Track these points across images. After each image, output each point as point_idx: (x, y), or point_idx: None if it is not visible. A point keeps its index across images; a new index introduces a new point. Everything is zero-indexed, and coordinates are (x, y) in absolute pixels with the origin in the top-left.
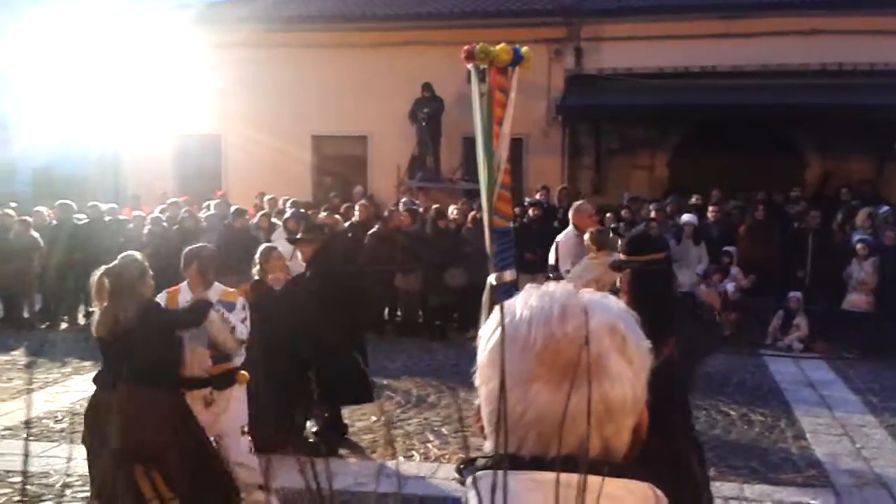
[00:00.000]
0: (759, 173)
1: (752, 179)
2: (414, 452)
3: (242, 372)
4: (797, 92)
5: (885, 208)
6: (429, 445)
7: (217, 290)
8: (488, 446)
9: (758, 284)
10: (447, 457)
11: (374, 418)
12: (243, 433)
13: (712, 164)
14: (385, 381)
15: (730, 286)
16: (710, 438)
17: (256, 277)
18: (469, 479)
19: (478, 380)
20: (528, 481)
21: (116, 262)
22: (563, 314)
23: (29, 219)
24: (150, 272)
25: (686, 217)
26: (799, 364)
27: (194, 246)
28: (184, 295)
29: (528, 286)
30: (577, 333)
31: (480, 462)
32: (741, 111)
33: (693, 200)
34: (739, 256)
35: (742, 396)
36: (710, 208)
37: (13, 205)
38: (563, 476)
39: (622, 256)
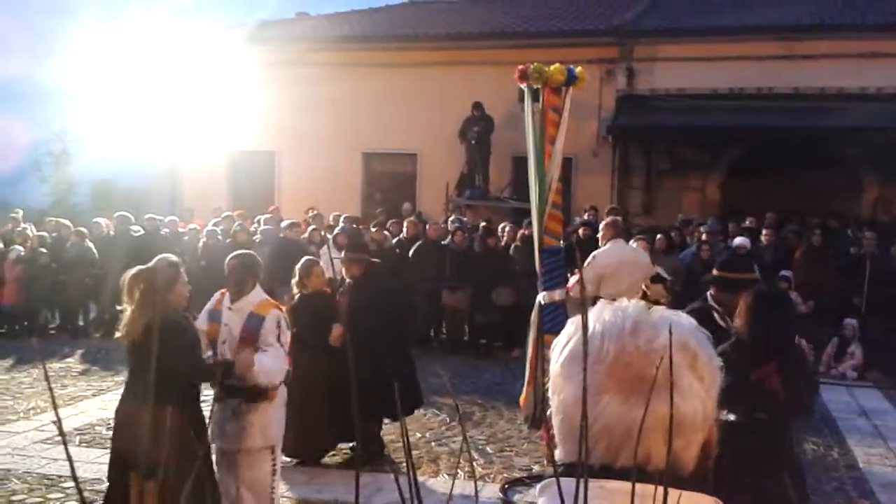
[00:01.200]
0: (814, 197)
1: (807, 203)
2: (459, 470)
3: (275, 389)
4: (854, 115)
5: None
6: (474, 464)
7: (252, 301)
8: (559, 454)
9: (813, 311)
10: (491, 476)
11: (418, 434)
12: (266, 453)
13: (766, 186)
14: (430, 398)
15: None
16: None
17: (296, 291)
18: (539, 487)
19: (550, 389)
20: (597, 489)
21: (150, 264)
22: (634, 329)
23: (84, 230)
24: (185, 278)
25: (738, 240)
26: (853, 393)
27: (232, 254)
28: (225, 301)
29: (601, 301)
30: (647, 348)
31: (552, 470)
32: (796, 134)
33: (746, 223)
34: (795, 282)
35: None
36: (764, 232)
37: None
38: (637, 486)
39: (717, 272)
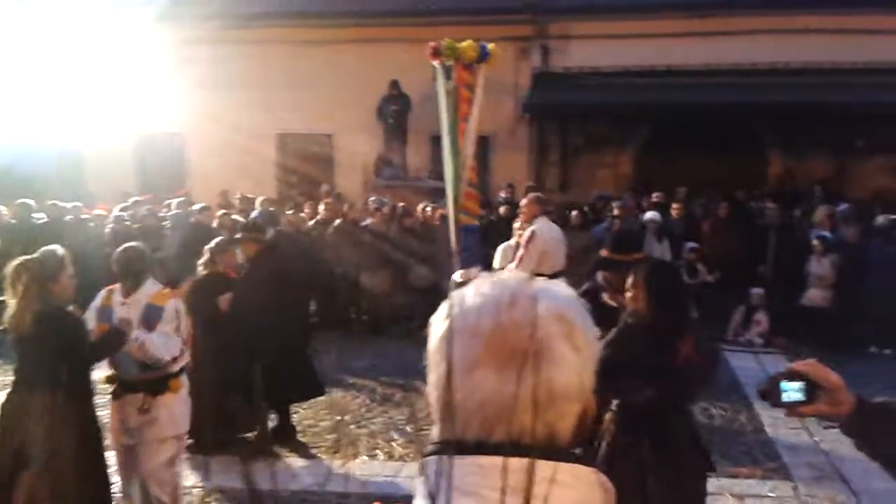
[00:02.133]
0: (723, 170)
1: (716, 177)
2: (378, 451)
3: (177, 379)
4: (761, 90)
5: (844, 205)
6: (393, 444)
7: (147, 292)
8: (436, 432)
9: (720, 280)
10: (411, 455)
11: (338, 417)
12: (172, 442)
13: (677, 161)
14: (351, 380)
15: None
16: None
17: (202, 270)
18: (419, 465)
19: (428, 366)
20: (472, 465)
21: (35, 254)
22: (512, 301)
23: None
24: (70, 270)
25: (649, 214)
26: (759, 359)
27: (120, 247)
28: (116, 297)
29: (484, 274)
30: (524, 320)
31: (429, 448)
32: (705, 109)
33: (654, 198)
34: (702, 253)
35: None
36: (674, 205)
37: None
38: (509, 460)
39: (605, 253)
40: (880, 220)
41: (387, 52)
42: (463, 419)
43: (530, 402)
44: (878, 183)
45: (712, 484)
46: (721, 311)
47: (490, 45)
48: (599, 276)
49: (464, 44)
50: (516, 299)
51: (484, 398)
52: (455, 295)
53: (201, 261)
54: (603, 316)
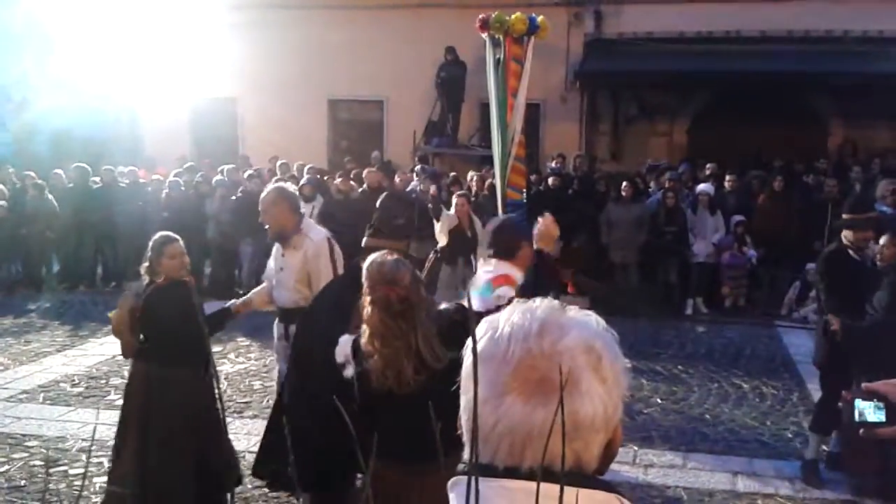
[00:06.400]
0: (781, 142)
1: (773, 148)
2: None
3: None
4: (821, 59)
5: None
6: None
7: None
8: (465, 453)
9: (775, 255)
10: None
11: None
12: None
13: (733, 131)
14: None
15: (752, 254)
16: (721, 412)
17: (146, 278)
18: (449, 484)
19: (461, 388)
20: (499, 488)
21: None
22: (541, 331)
23: (42, 183)
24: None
25: (702, 186)
26: (813, 336)
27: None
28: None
29: (515, 301)
30: (552, 350)
31: (459, 468)
32: (763, 78)
33: (708, 170)
34: (756, 227)
35: (755, 369)
36: (728, 178)
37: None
38: (532, 485)
39: (847, 216)
40: None
41: (440, 17)
42: (492, 444)
43: (558, 432)
44: None
45: (762, 465)
46: (776, 287)
47: (539, 18)
48: (844, 236)
49: (513, 17)
50: (544, 329)
51: (512, 424)
52: (488, 320)
53: (142, 267)
54: (853, 271)
